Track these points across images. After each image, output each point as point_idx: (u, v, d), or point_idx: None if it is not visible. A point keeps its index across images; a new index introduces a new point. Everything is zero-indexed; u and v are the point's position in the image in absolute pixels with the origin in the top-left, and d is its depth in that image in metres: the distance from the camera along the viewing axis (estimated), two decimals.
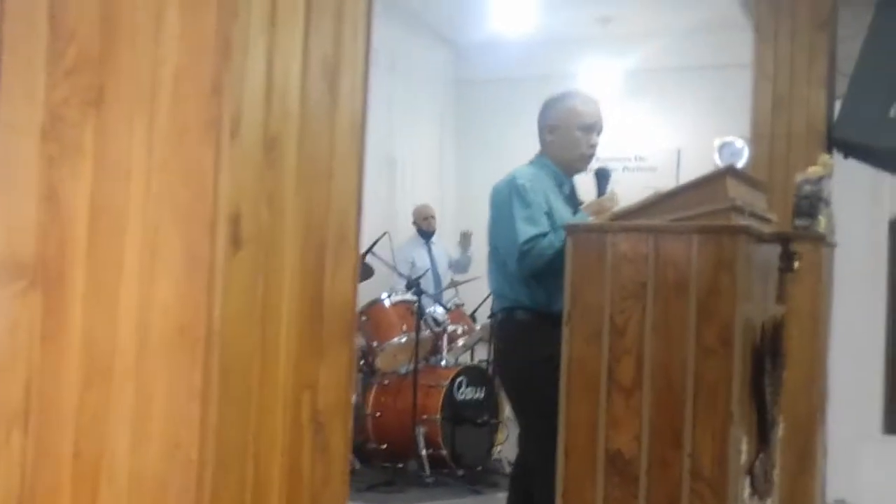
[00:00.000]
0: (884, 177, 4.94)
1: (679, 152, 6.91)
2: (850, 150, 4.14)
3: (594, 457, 2.52)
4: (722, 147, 6.74)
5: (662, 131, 7.18)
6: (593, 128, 3.12)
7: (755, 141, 4.17)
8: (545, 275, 2.93)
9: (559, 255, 2.84)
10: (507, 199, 2.97)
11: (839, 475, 5.36)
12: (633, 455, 2.48)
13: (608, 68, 7.18)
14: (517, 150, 3.40)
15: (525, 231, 2.89)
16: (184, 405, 1.03)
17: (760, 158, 4.14)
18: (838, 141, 4.06)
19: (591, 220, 2.98)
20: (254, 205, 1.08)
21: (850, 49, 4.05)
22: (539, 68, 7.22)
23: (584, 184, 3.31)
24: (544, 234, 2.91)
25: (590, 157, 3.15)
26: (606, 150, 7.26)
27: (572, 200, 3.16)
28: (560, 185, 3.12)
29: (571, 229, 2.61)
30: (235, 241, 1.05)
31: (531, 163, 3.18)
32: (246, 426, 1.09)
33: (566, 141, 3.10)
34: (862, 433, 5.52)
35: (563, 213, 3.04)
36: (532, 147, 3.24)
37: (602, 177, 3.16)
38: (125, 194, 1.07)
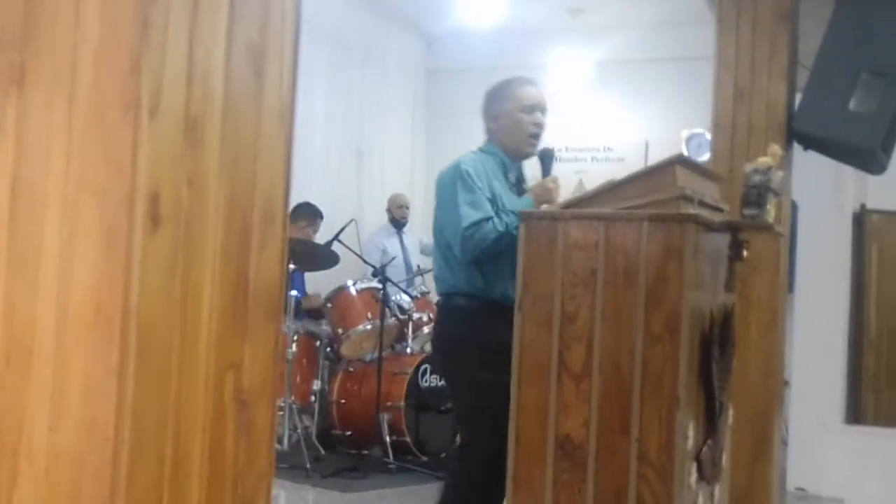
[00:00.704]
0: (848, 169, 4.99)
1: (647, 143, 6.95)
2: (810, 143, 4.17)
3: (544, 442, 2.55)
4: (690, 138, 6.84)
5: (631, 122, 7.22)
6: (535, 107, 3.15)
7: (716, 132, 4.20)
8: (485, 261, 2.97)
9: (502, 240, 2.91)
10: (450, 184, 3.00)
11: (800, 464, 5.44)
12: (582, 440, 2.51)
13: (578, 59, 7.22)
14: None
15: (468, 215, 2.92)
16: (100, 383, 1.04)
17: (721, 149, 4.17)
18: (798, 133, 4.10)
19: (533, 201, 3.02)
20: (174, 184, 1.09)
21: (812, 43, 4.09)
22: (510, 59, 7.22)
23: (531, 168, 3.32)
24: (488, 219, 2.93)
25: (537, 135, 3.17)
26: (576, 141, 7.38)
27: (518, 187, 3.18)
28: (506, 172, 3.14)
29: (524, 216, 2.63)
30: (154, 220, 1.07)
31: (479, 149, 3.20)
32: (165, 405, 1.10)
33: (511, 125, 3.14)
34: (824, 423, 5.60)
35: (507, 200, 3.06)
36: None
37: (546, 158, 3.18)
38: (45, 173, 1.08)
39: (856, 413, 6.67)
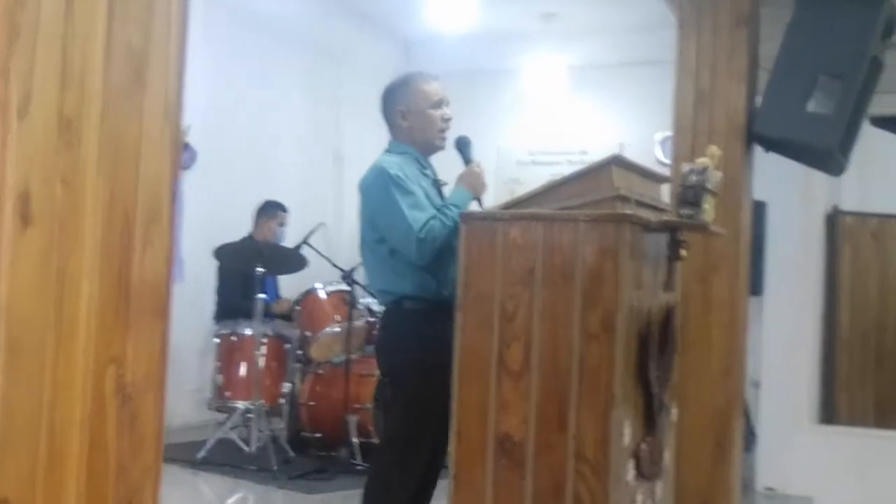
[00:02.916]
0: (817, 172, 5.02)
1: (622, 146, 6.98)
2: (770, 145, 4.21)
3: (484, 440, 2.58)
4: (663, 141, 6.86)
5: (605, 126, 7.26)
6: (442, 102, 3.14)
7: (678, 135, 4.23)
8: (433, 262, 2.95)
9: (451, 235, 2.88)
10: (384, 191, 2.95)
11: (770, 464, 5.48)
12: (521, 438, 2.54)
13: (552, 64, 7.26)
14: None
15: (417, 218, 2.90)
16: None
17: (683, 151, 4.20)
18: (758, 135, 4.13)
19: (464, 188, 3.02)
20: (46, 183, 1.12)
21: (772, 46, 4.13)
22: (485, 63, 7.29)
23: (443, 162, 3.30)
24: (433, 217, 2.92)
25: (446, 130, 3.15)
26: (551, 144, 7.42)
27: (437, 184, 3.17)
28: (424, 170, 3.13)
29: (464, 217, 2.66)
30: (24, 219, 1.09)
31: (390, 152, 3.16)
32: (39, 399, 1.13)
33: (421, 122, 3.12)
34: (795, 423, 5.62)
35: (434, 198, 3.06)
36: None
37: (464, 145, 3.17)
38: None
39: (829, 413, 6.70)
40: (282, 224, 5.80)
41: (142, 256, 1.25)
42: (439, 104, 3.14)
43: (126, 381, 1.24)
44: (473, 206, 3.04)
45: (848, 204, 7.38)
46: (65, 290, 1.15)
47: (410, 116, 3.13)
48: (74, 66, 1.15)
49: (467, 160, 3.15)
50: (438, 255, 2.93)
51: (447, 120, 3.15)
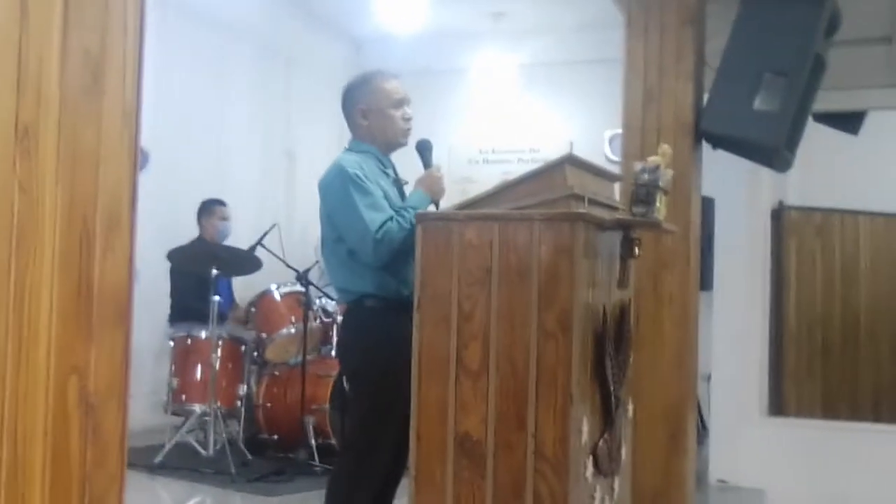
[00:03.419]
0: (763, 167, 5.10)
1: (572, 144, 7.04)
2: (718, 142, 4.26)
3: (444, 440, 2.58)
4: (612, 138, 6.94)
5: (555, 124, 7.32)
6: (403, 101, 3.14)
7: (627, 133, 4.27)
8: (391, 261, 2.96)
9: (408, 236, 2.88)
10: (343, 190, 2.94)
11: (722, 456, 5.57)
12: (481, 437, 2.55)
13: (502, 62, 7.30)
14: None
15: (374, 219, 2.89)
16: None
17: (632, 150, 4.24)
18: (706, 132, 4.19)
19: (423, 191, 3.03)
20: (4, 191, 1.11)
21: (718, 44, 4.18)
22: (436, 62, 7.30)
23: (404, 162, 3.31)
24: (391, 218, 2.92)
25: (408, 130, 3.15)
26: (502, 143, 7.46)
27: (398, 183, 3.18)
28: (384, 170, 3.13)
29: (420, 218, 2.66)
30: None
31: (350, 150, 3.15)
32: (0, 411, 1.11)
33: (382, 121, 3.11)
34: (745, 415, 5.72)
35: (395, 198, 3.06)
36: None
37: (425, 149, 3.17)
38: None
39: (778, 405, 6.83)
40: (223, 218, 5.76)
41: (102, 263, 1.24)
42: (400, 103, 3.14)
43: (88, 391, 1.22)
44: (431, 210, 3.04)
45: (792, 199, 7.54)
46: (25, 300, 1.14)
47: (371, 115, 3.12)
48: (30, 72, 1.14)
49: (427, 164, 3.15)
50: (397, 254, 2.93)
51: (408, 119, 3.15)
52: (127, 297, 1.28)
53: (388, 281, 2.99)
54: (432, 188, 3.05)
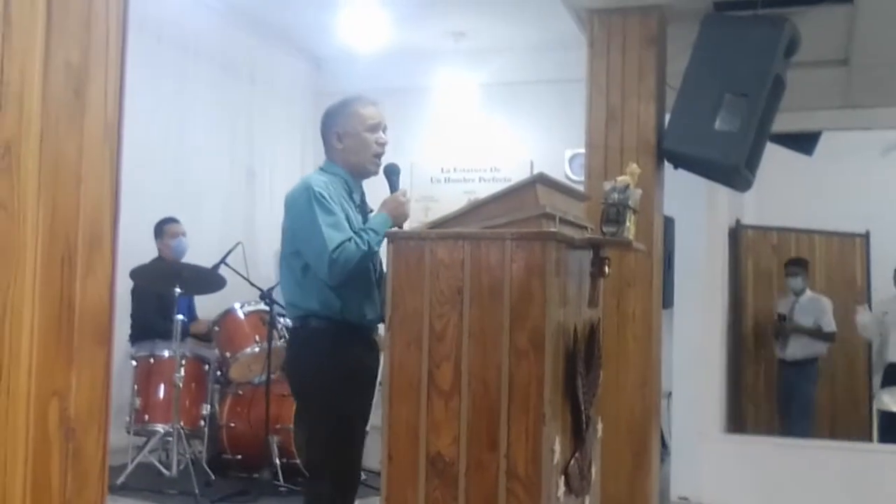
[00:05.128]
0: (722, 187, 5.17)
1: (532, 163, 7.08)
2: (679, 161, 4.31)
3: (416, 460, 2.56)
4: (572, 158, 6.99)
5: (516, 143, 7.35)
6: (378, 126, 3.18)
7: (590, 152, 4.30)
8: (342, 283, 2.97)
9: (364, 259, 2.96)
10: (307, 207, 2.97)
11: (682, 473, 5.60)
12: (453, 457, 2.53)
13: (462, 82, 7.33)
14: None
15: (333, 237, 2.92)
16: None
17: (595, 169, 4.28)
18: (668, 152, 4.23)
19: (388, 216, 3.05)
20: None
21: (679, 65, 4.24)
22: (397, 81, 7.30)
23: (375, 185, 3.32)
24: (349, 239, 2.94)
25: (381, 154, 3.18)
26: (463, 162, 7.47)
27: (363, 209, 3.20)
28: (350, 193, 3.15)
29: (391, 237, 2.65)
30: None
31: (323, 171, 3.18)
32: None
33: (357, 144, 3.14)
34: (704, 432, 5.76)
35: (355, 220, 3.08)
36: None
37: (392, 173, 3.20)
38: None
39: (737, 422, 6.91)
40: (176, 235, 5.69)
41: (84, 284, 1.21)
42: (375, 128, 3.16)
43: (69, 415, 1.19)
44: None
45: (749, 219, 7.66)
46: (5, 321, 1.10)
47: (346, 138, 3.16)
48: (12, 87, 1.11)
49: (394, 187, 3.18)
50: (349, 277, 2.97)
51: (382, 144, 3.18)
52: (108, 319, 1.25)
53: (332, 301, 3.01)
54: (395, 212, 3.07)
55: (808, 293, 7.10)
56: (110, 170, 1.25)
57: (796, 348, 6.98)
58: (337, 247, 2.91)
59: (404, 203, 3.09)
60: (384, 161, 3.22)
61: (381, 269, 3.10)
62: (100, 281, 1.23)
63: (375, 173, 3.20)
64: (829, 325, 7.00)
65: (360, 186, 3.23)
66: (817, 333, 6.99)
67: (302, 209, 2.99)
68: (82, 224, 1.21)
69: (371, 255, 2.98)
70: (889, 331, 6.61)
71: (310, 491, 3.21)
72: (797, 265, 7.11)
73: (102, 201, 1.24)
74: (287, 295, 3.14)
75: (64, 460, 1.18)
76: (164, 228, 5.71)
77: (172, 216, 5.80)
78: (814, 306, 7.03)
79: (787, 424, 6.95)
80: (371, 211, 3.20)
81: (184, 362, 5.10)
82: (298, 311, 3.08)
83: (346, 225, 2.99)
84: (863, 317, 6.81)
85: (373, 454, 3.18)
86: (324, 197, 2.97)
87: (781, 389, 7.04)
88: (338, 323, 3.01)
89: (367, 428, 3.28)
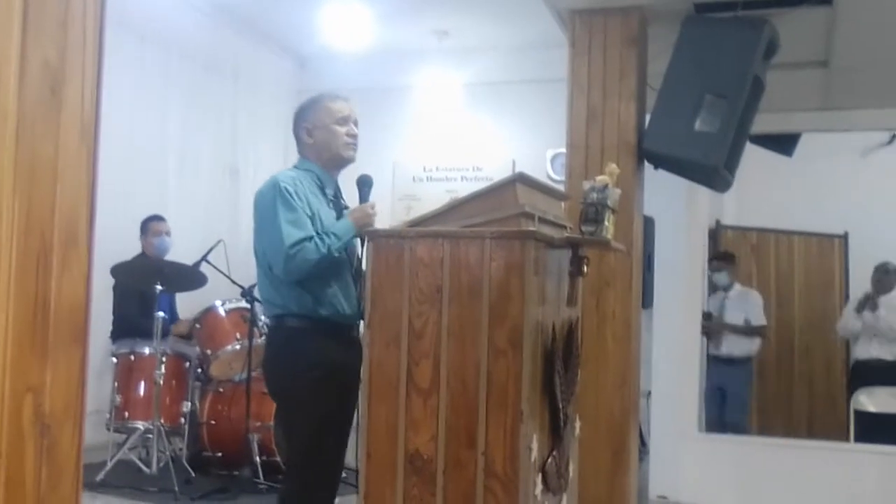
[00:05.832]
0: (702, 187, 5.20)
1: (514, 163, 7.10)
2: (660, 162, 4.33)
3: (394, 458, 2.57)
4: (554, 157, 7.01)
5: (498, 142, 7.37)
6: (348, 119, 3.18)
7: (571, 151, 4.32)
8: (311, 280, 2.98)
9: (322, 262, 2.94)
10: (271, 202, 2.97)
11: (661, 472, 5.63)
12: (431, 455, 2.54)
13: (445, 81, 7.34)
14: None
15: (291, 234, 2.92)
16: None
17: (576, 168, 4.29)
18: (648, 152, 4.25)
19: (353, 224, 3.05)
20: None
21: (660, 65, 4.26)
22: (380, 80, 7.31)
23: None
24: (310, 238, 2.94)
25: (352, 144, 3.18)
26: (445, 161, 7.48)
27: (337, 203, 3.19)
28: (323, 188, 3.15)
29: (371, 234, 2.66)
30: None
31: (294, 167, 3.20)
32: None
33: (326, 137, 3.15)
34: (683, 432, 5.80)
35: (326, 216, 3.07)
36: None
37: (364, 184, 3.21)
38: None
39: (711, 422, 6.94)
40: (161, 233, 5.68)
41: (59, 281, 1.22)
42: (345, 121, 3.17)
43: (44, 411, 1.20)
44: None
45: (728, 219, 7.70)
46: None
47: (315, 132, 3.17)
48: None
49: (364, 199, 3.18)
50: (319, 274, 2.97)
51: (353, 136, 3.18)
52: (84, 316, 1.25)
53: (304, 298, 3.01)
54: (361, 221, 3.06)
55: (738, 287, 6.96)
56: (87, 168, 1.25)
57: (732, 345, 6.86)
58: (295, 243, 2.91)
59: (371, 215, 3.09)
60: (359, 157, 3.22)
61: (360, 265, 3.10)
62: (76, 279, 1.23)
63: (352, 159, 3.20)
64: (759, 318, 6.89)
65: (335, 181, 3.23)
66: (745, 329, 6.89)
67: (266, 205, 3.00)
68: (58, 222, 1.21)
69: (331, 258, 2.98)
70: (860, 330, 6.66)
71: (283, 489, 3.22)
72: (722, 259, 6.95)
73: (79, 200, 1.24)
74: (262, 292, 3.15)
75: (38, 456, 1.19)
76: (149, 226, 5.71)
77: (159, 214, 5.79)
78: (743, 300, 6.92)
79: (722, 421, 6.86)
80: (346, 207, 3.20)
81: (164, 359, 5.10)
82: (274, 308, 3.08)
83: (308, 223, 2.98)
84: (846, 320, 6.83)
85: (351, 452, 3.19)
86: (289, 192, 2.97)
87: (715, 387, 6.89)
88: (315, 321, 3.01)
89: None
